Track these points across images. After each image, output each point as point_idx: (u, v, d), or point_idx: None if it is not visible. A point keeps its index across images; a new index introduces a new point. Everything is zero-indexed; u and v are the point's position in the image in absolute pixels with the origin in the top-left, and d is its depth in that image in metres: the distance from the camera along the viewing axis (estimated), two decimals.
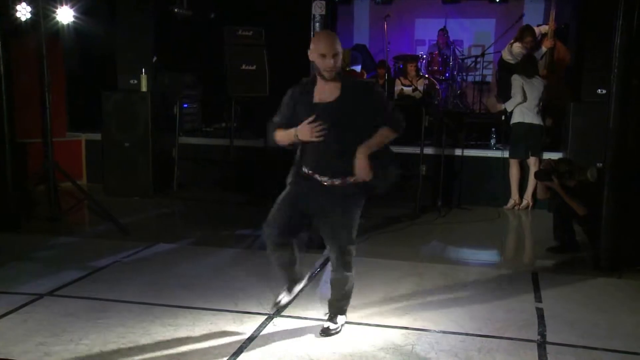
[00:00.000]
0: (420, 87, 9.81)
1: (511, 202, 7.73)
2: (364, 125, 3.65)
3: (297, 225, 3.86)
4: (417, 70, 10.26)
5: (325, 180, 3.72)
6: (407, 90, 9.94)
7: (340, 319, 4.05)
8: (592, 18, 7.25)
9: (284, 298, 4.12)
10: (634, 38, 5.19)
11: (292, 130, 3.67)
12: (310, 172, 3.76)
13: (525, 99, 7.46)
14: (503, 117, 8.00)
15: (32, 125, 7.50)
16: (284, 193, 3.86)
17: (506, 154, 7.76)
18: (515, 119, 7.55)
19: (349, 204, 3.74)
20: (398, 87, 10.11)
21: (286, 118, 3.77)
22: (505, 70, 8.91)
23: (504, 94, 8.01)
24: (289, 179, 3.88)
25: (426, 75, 10.42)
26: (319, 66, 3.63)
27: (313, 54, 3.64)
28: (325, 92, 3.67)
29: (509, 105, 7.60)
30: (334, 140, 3.62)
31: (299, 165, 3.84)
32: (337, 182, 3.71)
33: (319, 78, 3.68)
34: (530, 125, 7.48)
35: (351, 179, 3.67)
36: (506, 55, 8.94)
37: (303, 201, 3.80)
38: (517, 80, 7.56)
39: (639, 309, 4.57)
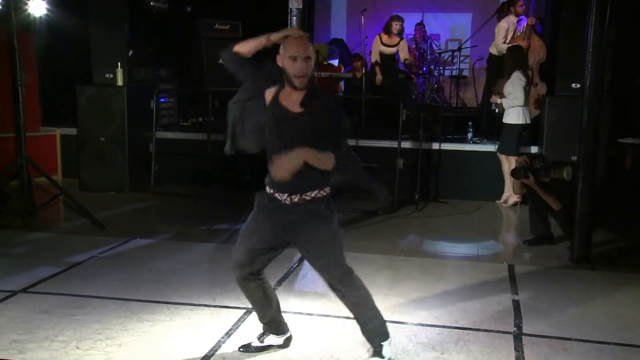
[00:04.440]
0: (403, 53, 9.67)
1: (505, 196, 7.72)
2: (323, 143, 3.18)
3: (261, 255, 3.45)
4: (401, 30, 9.86)
5: (284, 199, 3.31)
6: (388, 50, 9.72)
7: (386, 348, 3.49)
8: (566, 13, 7.32)
9: (254, 342, 3.73)
10: (606, 34, 5.27)
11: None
12: (272, 190, 3.34)
13: (526, 102, 7.33)
14: (496, 110, 7.86)
15: (5, 119, 7.41)
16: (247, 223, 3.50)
17: (482, 147, 7.80)
18: (513, 119, 7.37)
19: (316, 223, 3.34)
20: (377, 47, 9.79)
21: (246, 94, 3.36)
22: (494, 65, 8.92)
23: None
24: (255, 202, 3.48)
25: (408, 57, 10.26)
26: (288, 71, 3.20)
27: (284, 57, 3.21)
28: (291, 101, 3.25)
29: (506, 103, 7.42)
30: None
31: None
32: (295, 199, 3.29)
33: (287, 86, 3.26)
34: (525, 125, 7.42)
35: (312, 195, 3.28)
36: (493, 50, 8.98)
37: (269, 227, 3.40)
38: (520, 80, 7.29)
39: (610, 300, 4.64)
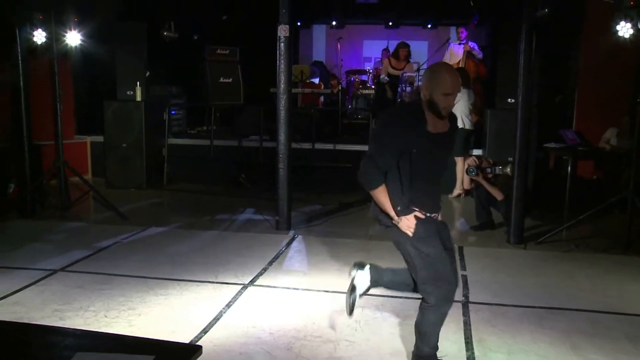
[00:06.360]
0: (408, 72, 9.63)
1: (456, 192, 7.72)
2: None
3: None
4: (408, 55, 9.85)
5: (437, 217, 3.09)
6: (396, 72, 9.71)
7: None
8: (502, 42, 7.43)
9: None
10: (533, 60, 5.36)
11: (394, 212, 2.99)
12: (425, 214, 2.99)
13: (463, 111, 7.31)
14: None
15: (46, 129, 7.37)
16: (432, 245, 3.00)
17: None
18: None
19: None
20: (386, 69, 9.78)
21: (393, 154, 2.86)
22: None
23: None
24: (421, 227, 2.97)
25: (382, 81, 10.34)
26: (438, 104, 2.79)
27: (435, 92, 2.77)
28: (437, 123, 2.89)
29: None
30: (441, 172, 3.07)
31: (404, 204, 2.96)
32: (439, 216, 3.11)
33: (428, 113, 2.85)
34: (467, 130, 7.47)
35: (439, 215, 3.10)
36: None
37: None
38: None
39: (538, 273, 4.74)
